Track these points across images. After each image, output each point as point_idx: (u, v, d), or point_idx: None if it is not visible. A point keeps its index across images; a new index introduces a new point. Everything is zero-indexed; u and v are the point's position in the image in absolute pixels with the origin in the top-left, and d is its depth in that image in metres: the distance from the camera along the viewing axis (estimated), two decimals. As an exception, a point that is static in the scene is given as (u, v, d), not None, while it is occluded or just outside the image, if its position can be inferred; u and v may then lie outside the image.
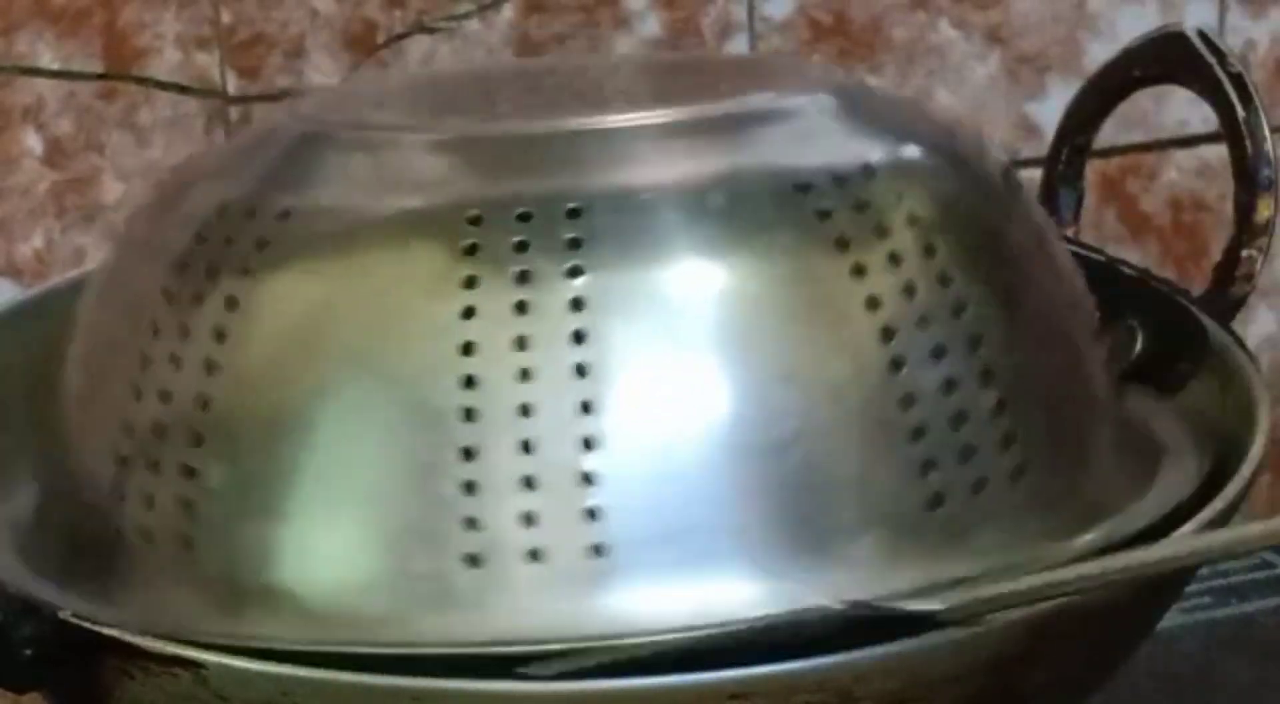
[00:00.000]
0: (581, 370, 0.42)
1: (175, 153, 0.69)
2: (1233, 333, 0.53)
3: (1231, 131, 0.53)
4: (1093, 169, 0.55)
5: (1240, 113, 0.52)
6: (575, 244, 0.43)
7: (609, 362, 0.42)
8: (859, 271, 0.44)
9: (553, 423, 0.42)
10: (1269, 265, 0.53)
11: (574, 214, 0.43)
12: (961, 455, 0.44)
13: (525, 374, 0.42)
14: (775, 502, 0.42)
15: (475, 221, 0.43)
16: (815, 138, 0.46)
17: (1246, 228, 0.53)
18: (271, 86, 0.69)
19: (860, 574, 0.42)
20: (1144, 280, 0.55)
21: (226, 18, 0.69)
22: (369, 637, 0.41)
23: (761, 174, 0.45)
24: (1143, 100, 0.60)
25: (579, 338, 0.42)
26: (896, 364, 0.43)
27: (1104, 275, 0.56)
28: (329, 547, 0.43)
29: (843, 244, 0.44)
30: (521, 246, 0.43)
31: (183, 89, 0.69)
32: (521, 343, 0.42)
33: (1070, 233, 0.56)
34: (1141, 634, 0.48)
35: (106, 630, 0.41)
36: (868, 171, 0.45)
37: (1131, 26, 0.71)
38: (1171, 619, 0.53)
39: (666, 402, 0.42)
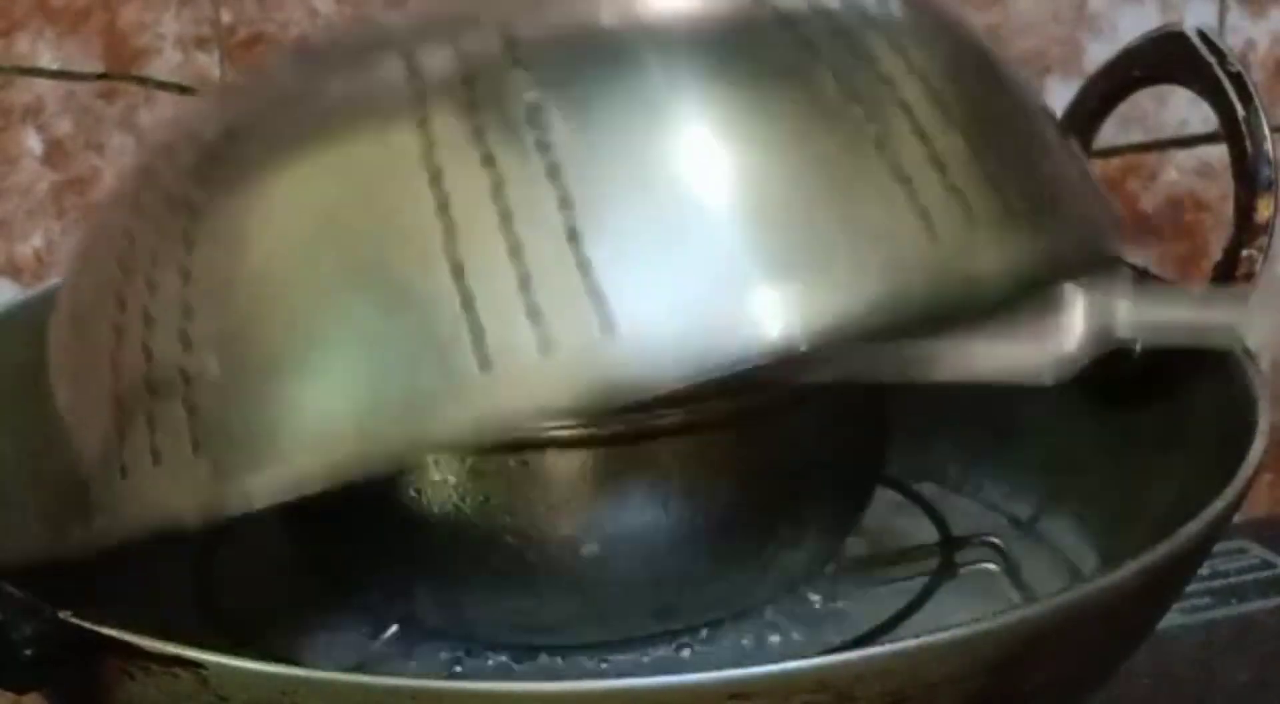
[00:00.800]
0: (554, 171, 0.41)
1: (175, 153, 0.69)
2: (1233, 333, 0.53)
3: (1231, 131, 0.53)
4: (1093, 169, 0.54)
5: (1240, 113, 0.52)
6: (514, 53, 0.42)
7: (577, 158, 0.41)
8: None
9: (536, 223, 0.41)
10: (1269, 265, 0.53)
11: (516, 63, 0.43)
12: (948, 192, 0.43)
13: (497, 187, 0.41)
14: (776, 243, 0.42)
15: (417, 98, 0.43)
16: None
17: (1246, 228, 0.53)
18: (271, 86, 0.69)
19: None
20: (1144, 280, 0.56)
21: (226, 18, 0.69)
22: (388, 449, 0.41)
23: None
24: (1143, 100, 0.60)
25: (543, 147, 0.41)
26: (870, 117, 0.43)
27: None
28: (339, 386, 0.42)
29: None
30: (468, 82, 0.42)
31: (183, 89, 0.69)
32: (489, 160, 0.41)
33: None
34: (1141, 634, 0.48)
35: (107, 630, 0.41)
36: None
37: (1131, 26, 0.71)
38: (1171, 619, 0.54)
39: (644, 172, 0.42)
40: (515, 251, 0.41)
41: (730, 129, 0.43)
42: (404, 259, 0.41)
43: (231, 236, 0.43)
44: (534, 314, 0.40)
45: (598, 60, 0.43)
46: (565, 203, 0.41)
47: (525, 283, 0.41)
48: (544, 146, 0.42)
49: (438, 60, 0.43)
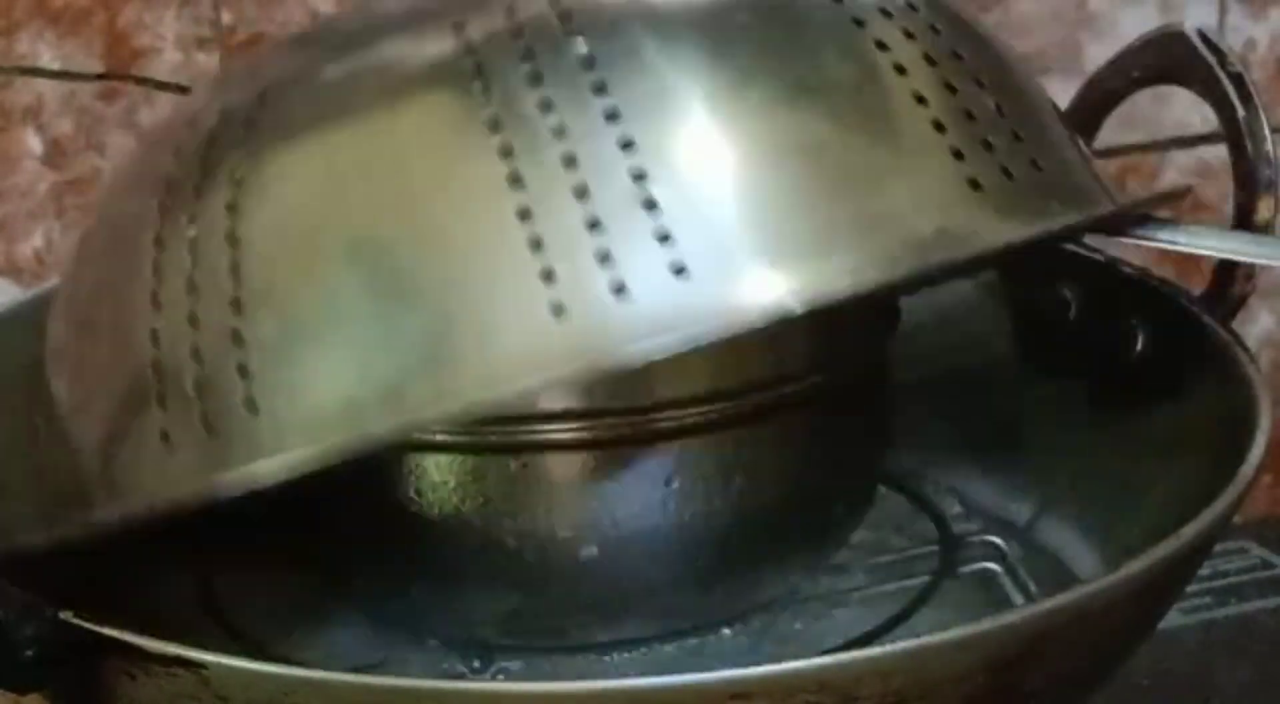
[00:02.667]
0: (612, 115, 0.42)
1: (175, 153, 0.69)
2: (1233, 333, 0.53)
3: (1231, 131, 0.53)
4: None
5: (1240, 113, 0.52)
6: (588, 62, 0.43)
7: (638, 106, 0.42)
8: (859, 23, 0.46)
9: (601, 167, 0.42)
10: (1269, 265, 0.53)
11: (570, 33, 0.43)
12: (983, 146, 0.45)
13: (560, 131, 0.42)
14: (826, 194, 0.43)
15: (478, 72, 0.43)
16: None
17: (1246, 228, 0.53)
18: (271, 86, 0.69)
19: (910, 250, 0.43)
20: (1144, 280, 0.56)
21: (226, 18, 0.69)
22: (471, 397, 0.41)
23: None
24: (1143, 100, 0.60)
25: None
26: (900, 69, 0.45)
27: (1104, 275, 0.56)
28: (417, 337, 0.42)
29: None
30: (535, 78, 0.43)
31: (183, 89, 0.69)
32: (547, 104, 0.42)
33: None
34: (1141, 634, 0.48)
35: (107, 630, 0.41)
36: None
37: (1131, 26, 0.71)
38: (1171, 619, 0.54)
39: (701, 123, 0.43)
40: (581, 194, 0.42)
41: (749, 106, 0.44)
42: (470, 212, 0.42)
43: (256, 203, 0.44)
44: (604, 258, 0.41)
45: (643, 25, 0.44)
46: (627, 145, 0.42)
47: (594, 225, 0.42)
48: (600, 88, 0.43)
49: (484, 21, 0.44)
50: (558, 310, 0.41)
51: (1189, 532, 0.44)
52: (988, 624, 0.41)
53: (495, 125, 0.42)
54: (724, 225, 0.42)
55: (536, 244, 0.41)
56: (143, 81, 0.69)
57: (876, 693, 0.40)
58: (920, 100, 0.45)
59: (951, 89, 0.46)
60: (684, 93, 0.43)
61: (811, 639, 0.52)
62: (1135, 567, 0.43)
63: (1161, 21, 0.56)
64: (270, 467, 0.41)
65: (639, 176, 0.42)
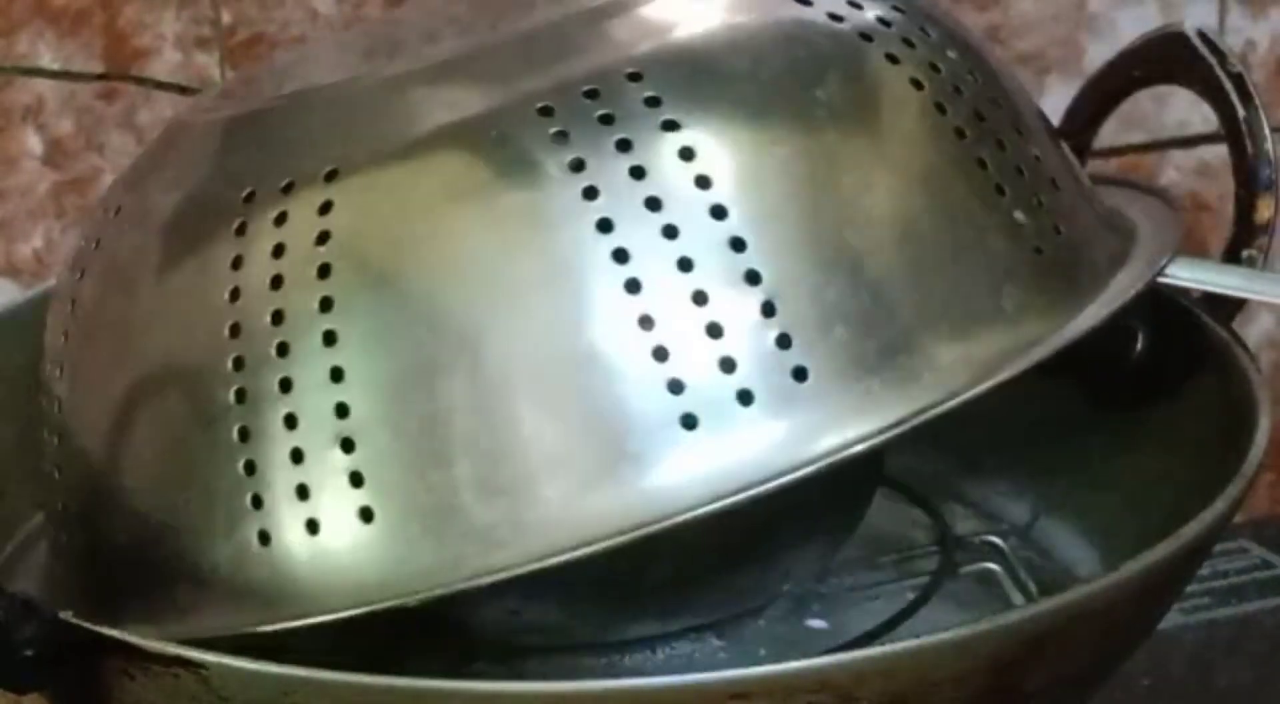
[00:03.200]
0: (719, 212, 0.43)
1: (175, 153, 0.69)
2: (1233, 333, 0.53)
3: (1231, 131, 0.53)
4: (1093, 169, 0.54)
5: (1240, 113, 0.52)
6: (655, 102, 0.43)
7: (743, 195, 0.43)
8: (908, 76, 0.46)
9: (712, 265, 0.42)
10: (1269, 265, 0.53)
11: (635, 78, 0.44)
12: (1036, 202, 0.46)
13: (670, 231, 0.42)
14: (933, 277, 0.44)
15: (547, 112, 0.43)
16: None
17: (1246, 228, 0.53)
18: (271, 86, 0.69)
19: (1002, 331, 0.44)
20: (1144, 280, 0.56)
21: (226, 18, 0.69)
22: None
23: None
24: (1143, 100, 0.60)
25: (703, 184, 0.43)
26: (960, 133, 0.46)
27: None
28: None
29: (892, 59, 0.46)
30: (606, 119, 0.43)
31: (183, 89, 0.69)
32: (653, 204, 0.42)
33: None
34: (1141, 634, 0.48)
35: (107, 631, 0.41)
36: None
37: (1131, 26, 0.71)
38: (1171, 619, 0.54)
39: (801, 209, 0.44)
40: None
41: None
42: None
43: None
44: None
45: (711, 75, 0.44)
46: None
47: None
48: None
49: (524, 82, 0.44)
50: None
51: (1189, 532, 0.44)
52: (988, 624, 0.41)
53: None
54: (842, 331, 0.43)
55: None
56: (143, 81, 0.69)
57: (876, 693, 0.40)
58: (982, 165, 0.46)
59: (1002, 147, 0.46)
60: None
61: (812, 639, 0.52)
62: (1135, 567, 0.43)
63: (1161, 21, 0.56)
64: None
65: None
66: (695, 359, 0.42)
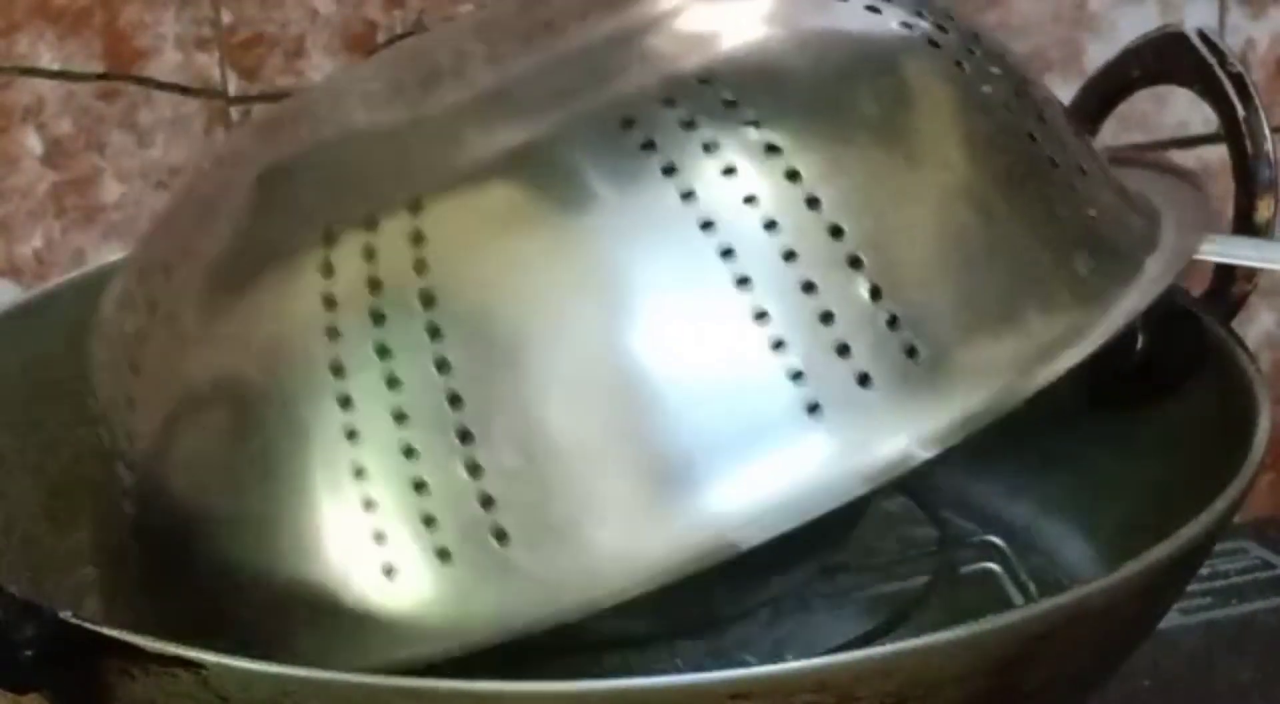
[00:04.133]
0: (813, 203, 0.43)
1: (175, 153, 0.69)
2: (1233, 333, 0.53)
3: (1231, 131, 0.53)
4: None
5: (1240, 113, 0.52)
6: (731, 103, 0.43)
7: (831, 185, 0.43)
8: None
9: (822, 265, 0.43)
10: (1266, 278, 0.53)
11: (705, 82, 0.44)
12: (1075, 195, 0.47)
13: (770, 225, 0.43)
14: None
15: (629, 123, 0.43)
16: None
17: (1246, 228, 0.53)
18: (272, 87, 0.69)
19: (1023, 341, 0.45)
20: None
21: (226, 18, 0.69)
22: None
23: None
24: (1143, 100, 0.60)
25: (793, 176, 0.43)
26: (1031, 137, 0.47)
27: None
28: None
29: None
30: (688, 124, 0.43)
31: (183, 89, 0.69)
32: (751, 200, 0.43)
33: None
34: (1141, 634, 0.48)
35: (107, 631, 0.41)
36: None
37: (1131, 26, 0.70)
38: (1171, 619, 0.54)
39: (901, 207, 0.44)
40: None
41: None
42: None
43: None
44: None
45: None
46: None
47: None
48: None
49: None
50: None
51: (1189, 532, 0.44)
52: (988, 624, 0.41)
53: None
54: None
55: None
56: (143, 81, 0.69)
57: (876, 693, 0.40)
58: (1054, 164, 0.47)
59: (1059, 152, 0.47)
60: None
61: (812, 639, 0.52)
62: (1135, 567, 0.43)
63: (1161, 21, 0.56)
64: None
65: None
66: (812, 346, 0.42)
